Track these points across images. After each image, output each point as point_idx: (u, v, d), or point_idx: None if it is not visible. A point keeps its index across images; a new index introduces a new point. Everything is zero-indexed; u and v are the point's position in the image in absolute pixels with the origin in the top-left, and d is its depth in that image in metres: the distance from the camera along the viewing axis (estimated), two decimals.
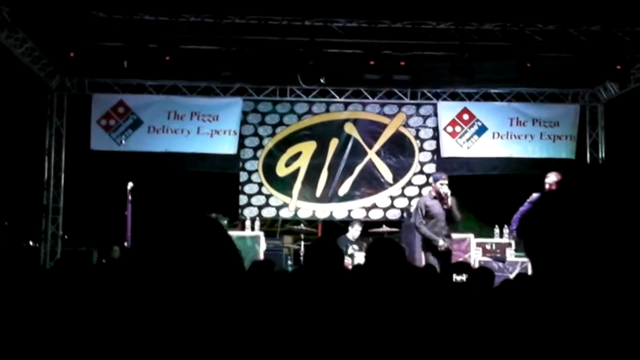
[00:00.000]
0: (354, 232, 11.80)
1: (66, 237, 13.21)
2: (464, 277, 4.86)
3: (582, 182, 1.20)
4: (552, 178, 9.25)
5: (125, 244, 10.90)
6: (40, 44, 11.54)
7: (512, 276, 9.69)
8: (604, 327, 1.10)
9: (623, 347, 1.09)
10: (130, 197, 10.86)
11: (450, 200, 9.59)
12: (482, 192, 13.04)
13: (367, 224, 12.46)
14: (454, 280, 4.91)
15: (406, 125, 13.37)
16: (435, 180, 9.94)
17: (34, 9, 10.19)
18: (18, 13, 10.31)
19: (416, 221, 9.79)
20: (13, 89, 11.84)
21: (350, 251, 11.10)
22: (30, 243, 14.14)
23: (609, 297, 1.11)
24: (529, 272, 9.83)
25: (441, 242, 9.38)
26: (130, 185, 10.90)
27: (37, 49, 11.70)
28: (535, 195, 9.35)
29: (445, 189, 9.58)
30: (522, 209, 10.04)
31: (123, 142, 12.95)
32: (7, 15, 10.34)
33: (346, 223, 12.63)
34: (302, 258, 11.13)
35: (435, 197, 9.72)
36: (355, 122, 13.35)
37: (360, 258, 10.45)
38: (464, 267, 5.33)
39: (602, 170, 1.23)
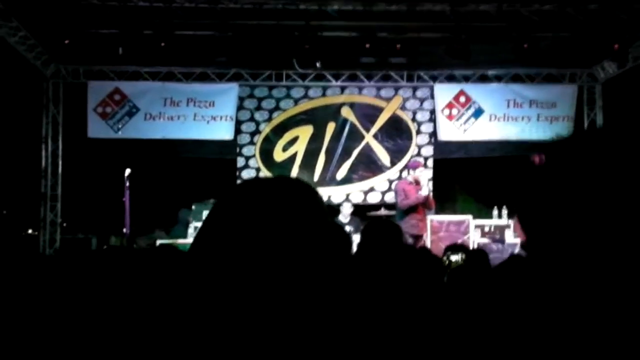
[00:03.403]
0: (346, 211, 11.82)
1: (65, 224, 13.21)
2: (459, 257, 4.88)
3: (571, 153, 1.18)
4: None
5: (124, 230, 10.90)
6: (34, 32, 11.50)
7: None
8: (602, 311, 1.09)
9: (618, 331, 1.08)
10: (127, 184, 10.86)
11: (426, 188, 10.31)
12: (480, 173, 13.03)
13: (365, 208, 12.47)
14: (450, 260, 4.92)
15: (403, 108, 13.34)
16: (414, 168, 10.63)
17: None
18: (11, 2, 10.25)
19: (398, 200, 10.27)
20: (8, 78, 11.80)
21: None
22: (30, 231, 14.13)
23: (606, 276, 1.10)
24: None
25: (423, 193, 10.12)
26: (127, 172, 10.89)
27: (32, 37, 11.65)
28: None
29: (423, 178, 10.38)
30: None
31: (120, 129, 12.94)
32: (0, 5, 10.29)
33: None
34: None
35: (411, 183, 10.34)
36: (351, 105, 13.33)
37: (357, 239, 10.53)
38: (460, 248, 5.34)
39: (594, 139, 1.21)
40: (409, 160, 12.56)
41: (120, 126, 12.91)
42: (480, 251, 5.60)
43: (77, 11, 10.42)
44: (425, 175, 10.83)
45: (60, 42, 11.19)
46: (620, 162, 1.12)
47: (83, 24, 10.77)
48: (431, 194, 10.60)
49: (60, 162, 13.09)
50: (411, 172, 10.72)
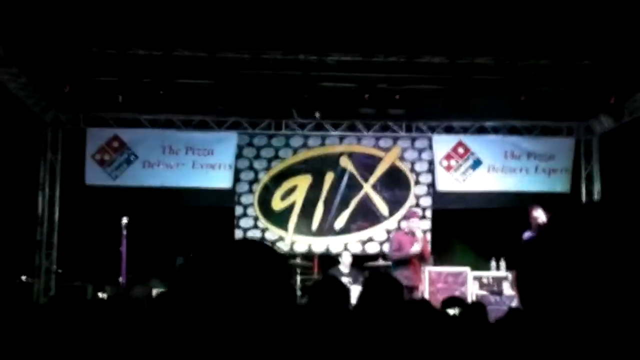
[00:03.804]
0: (346, 260, 11.75)
1: (59, 271, 13.08)
2: (456, 311, 4.83)
3: (577, 222, 1.18)
4: (539, 213, 9.37)
5: (120, 279, 10.81)
6: (34, 79, 11.54)
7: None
8: None
9: None
10: (125, 233, 10.80)
11: (421, 239, 10.33)
12: (478, 224, 13.00)
13: (363, 258, 12.40)
14: (447, 313, 4.86)
15: (402, 158, 13.37)
16: (409, 218, 10.86)
17: (28, 45, 10.20)
18: (12, 49, 10.32)
19: (390, 251, 10.56)
20: (7, 124, 11.81)
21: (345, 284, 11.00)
22: (24, 278, 14.00)
23: (603, 337, 1.09)
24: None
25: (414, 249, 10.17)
26: (125, 220, 10.84)
27: (31, 84, 11.69)
28: (527, 234, 9.36)
29: (418, 230, 10.46)
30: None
31: (118, 177, 12.93)
32: (1, 51, 10.35)
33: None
34: (300, 293, 11.05)
35: (406, 234, 10.50)
36: (350, 155, 13.35)
37: (355, 291, 10.45)
38: (457, 301, 5.28)
39: (598, 209, 1.22)
40: (407, 211, 12.54)
41: (118, 174, 12.91)
42: (478, 304, 5.54)
43: (77, 59, 10.50)
44: (420, 227, 10.82)
45: (60, 89, 11.23)
46: (618, 237, 1.13)
47: (83, 71, 10.84)
48: (429, 245, 10.55)
49: (57, 209, 13.04)
50: (406, 221, 10.78)
